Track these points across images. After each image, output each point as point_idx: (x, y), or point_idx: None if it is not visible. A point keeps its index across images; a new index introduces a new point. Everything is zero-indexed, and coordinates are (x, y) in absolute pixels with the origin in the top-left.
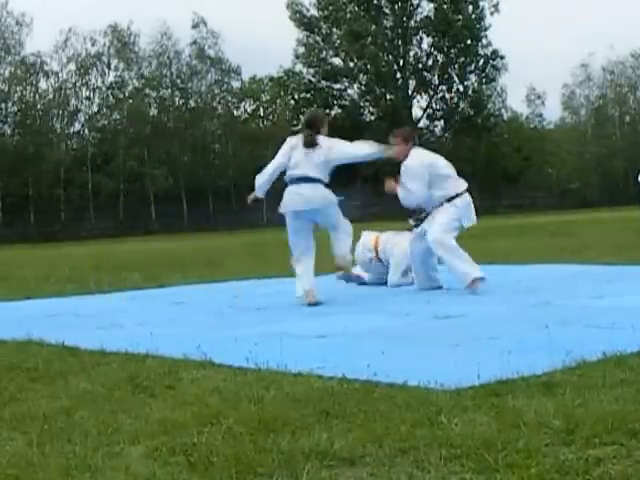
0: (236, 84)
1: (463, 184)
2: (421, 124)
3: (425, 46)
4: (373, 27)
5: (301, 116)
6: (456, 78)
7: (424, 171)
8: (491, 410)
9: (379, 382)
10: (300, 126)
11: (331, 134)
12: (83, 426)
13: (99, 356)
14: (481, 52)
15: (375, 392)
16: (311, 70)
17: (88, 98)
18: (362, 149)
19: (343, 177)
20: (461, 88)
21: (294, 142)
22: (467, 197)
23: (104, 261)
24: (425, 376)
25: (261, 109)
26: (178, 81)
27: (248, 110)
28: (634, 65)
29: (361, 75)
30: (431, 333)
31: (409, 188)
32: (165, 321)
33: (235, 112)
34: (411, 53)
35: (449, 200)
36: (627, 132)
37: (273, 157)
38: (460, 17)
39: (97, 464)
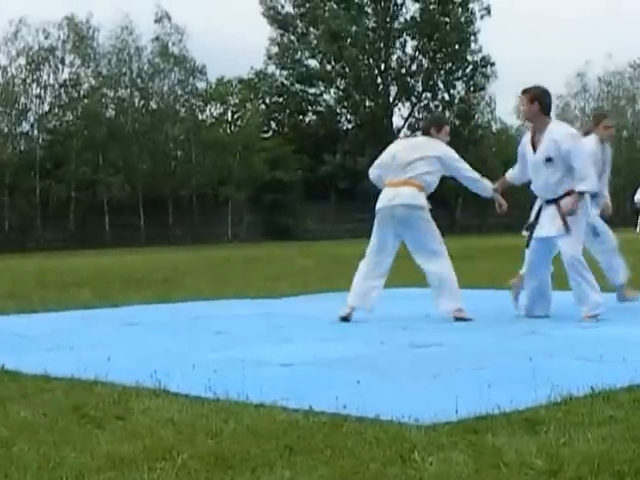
0: (201, 85)
1: None
2: (401, 134)
3: (409, 50)
4: (353, 28)
5: (272, 122)
6: (442, 85)
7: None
8: (469, 448)
9: (348, 416)
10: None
11: (304, 142)
12: (22, 459)
13: (42, 381)
14: (470, 58)
15: (344, 426)
16: (284, 72)
17: (39, 96)
18: None
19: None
20: (447, 96)
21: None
22: None
23: (51, 276)
24: (398, 410)
25: (228, 113)
26: (138, 80)
27: (214, 114)
28: (632, 76)
29: (339, 79)
30: (406, 363)
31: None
32: (117, 344)
33: (200, 116)
34: (394, 57)
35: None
36: (625, 147)
37: (240, 165)
38: (448, 19)
39: None
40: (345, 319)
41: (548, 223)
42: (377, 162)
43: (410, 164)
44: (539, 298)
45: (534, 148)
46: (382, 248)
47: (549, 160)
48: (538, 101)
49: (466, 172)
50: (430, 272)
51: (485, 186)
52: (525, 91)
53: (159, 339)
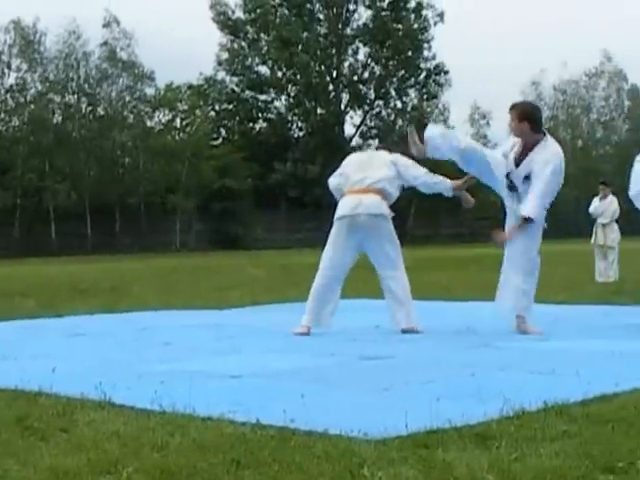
0: (150, 91)
1: None
2: (353, 142)
3: (361, 57)
4: (305, 34)
5: (221, 129)
6: (394, 93)
7: None
8: (419, 463)
9: (297, 429)
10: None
11: (254, 150)
12: None
13: None
14: (423, 65)
15: (292, 440)
16: (235, 79)
17: None
18: None
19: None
20: (399, 104)
21: None
22: None
23: None
24: (348, 424)
25: (177, 120)
26: (86, 86)
27: (163, 120)
28: (588, 85)
29: (290, 86)
30: (356, 376)
31: None
32: (62, 355)
33: (148, 122)
34: (346, 64)
35: None
36: (579, 157)
37: (189, 173)
38: (401, 26)
39: None
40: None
41: None
42: (338, 171)
43: (370, 173)
44: None
45: (518, 161)
46: (340, 260)
47: (527, 178)
48: (528, 120)
49: (423, 177)
50: (389, 285)
51: (446, 186)
52: (514, 107)
53: (105, 350)
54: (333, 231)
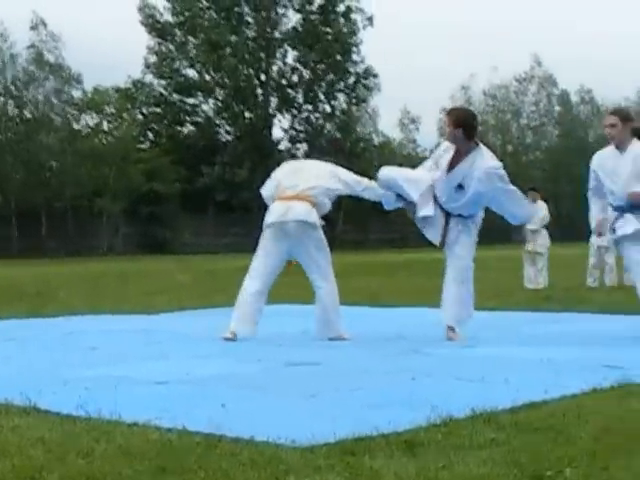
0: (77, 94)
1: None
2: (282, 146)
3: (290, 60)
4: (233, 37)
5: (149, 133)
6: (323, 97)
7: None
8: (346, 470)
9: (223, 436)
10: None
11: (182, 154)
12: None
13: None
14: (352, 69)
15: (218, 447)
16: (163, 82)
17: None
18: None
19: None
20: (328, 108)
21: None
22: None
23: None
24: (275, 431)
25: (105, 123)
26: (12, 88)
27: (90, 124)
28: (518, 90)
29: (218, 89)
30: (283, 382)
31: None
32: None
33: (75, 125)
34: (274, 67)
35: None
36: (509, 163)
37: (116, 176)
38: (330, 30)
39: None
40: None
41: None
42: (270, 178)
43: (304, 180)
44: None
45: (450, 167)
46: (270, 266)
47: (460, 187)
48: (463, 128)
49: (367, 185)
50: (319, 294)
51: (387, 197)
52: (450, 112)
53: (30, 355)
54: (262, 237)
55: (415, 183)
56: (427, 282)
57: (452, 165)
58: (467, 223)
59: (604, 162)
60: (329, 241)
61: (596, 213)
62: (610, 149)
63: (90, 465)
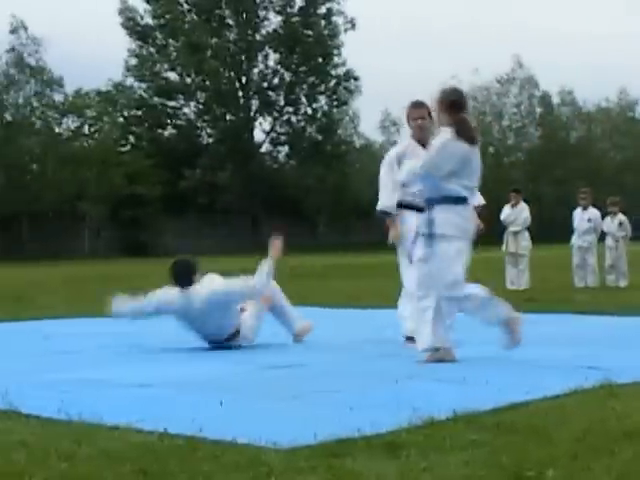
0: (58, 97)
1: None
2: (263, 149)
3: (271, 63)
4: (214, 40)
5: (130, 136)
6: (304, 99)
7: None
8: (328, 472)
9: (205, 438)
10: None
11: (164, 157)
12: None
13: None
14: (333, 72)
15: (200, 450)
16: (143, 85)
17: None
18: None
19: (175, 206)
20: (309, 111)
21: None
22: None
23: None
24: (256, 433)
25: (86, 126)
26: None
27: (71, 127)
28: (500, 91)
29: (199, 92)
30: (265, 384)
31: None
32: None
33: (56, 129)
34: (255, 70)
35: None
36: (491, 165)
37: (97, 180)
38: (311, 32)
39: None
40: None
41: None
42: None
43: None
44: None
45: None
46: None
47: None
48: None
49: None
50: None
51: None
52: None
53: (10, 359)
54: None
55: None
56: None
57: None
58: None
59: None
60: (310, 243)
61: None
62: None
63: (72, 468)
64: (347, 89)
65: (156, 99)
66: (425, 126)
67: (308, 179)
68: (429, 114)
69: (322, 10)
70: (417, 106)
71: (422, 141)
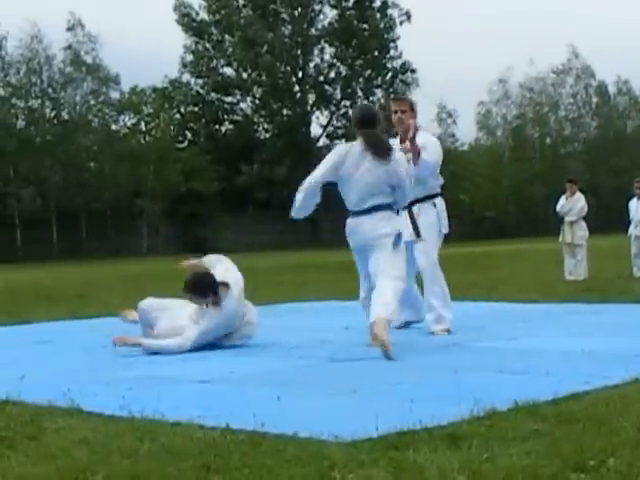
0: (115, 95)
1: None
2: (320, 143)
3: (327, 57)
4: (270, 34)
5: (187, 132)
6: (361, 93)
7: None
8: (390, 465)
9: (267, 433)
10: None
11: (221, 152)
12: None
13: None
14: (389, 65)
15: (262, 444)
16: (200, 81)
17: None
18: None
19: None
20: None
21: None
22: None
23: None
24: (318, 427)
25: (142, 123)
26: (49, 90)
27: (128, 124)
28: (555, 82)
29: (255, 87)
30: (326, 378)
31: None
32: (28, 362)
33: (113, 126)
34: (311, 64)
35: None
36: (548, 155)
37: (155, 177)
38: (366, 26)
39: None
40: None
41: (405, 228)
42: None
43: None
44: (405, 303)
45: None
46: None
47: None
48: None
49: None
50: None
51: None
52: (404, 100)
53: (72, 357)
54: None
55: None
56: (462, 276)
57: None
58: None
59: None
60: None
61: None
62: None
63: (134, 465)
64: (404, 82)
65: (213, 95)
66: (404, 120)
67: None
68: (411, 108)
69: (377, 3)
70: (398, 99)
71: (401, 134)
